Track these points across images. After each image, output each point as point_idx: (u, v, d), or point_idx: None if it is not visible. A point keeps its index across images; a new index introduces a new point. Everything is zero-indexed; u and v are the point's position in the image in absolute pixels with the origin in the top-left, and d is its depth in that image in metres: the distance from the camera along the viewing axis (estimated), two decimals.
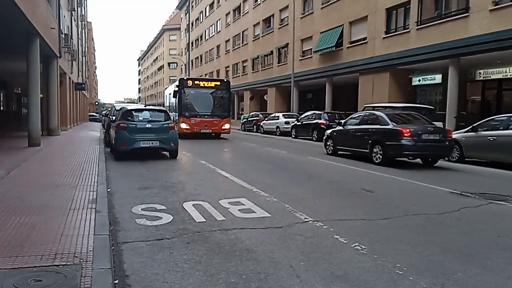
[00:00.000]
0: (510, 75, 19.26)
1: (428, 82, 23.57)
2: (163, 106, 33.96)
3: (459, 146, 13.22)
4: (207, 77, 56.30)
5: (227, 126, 22.46)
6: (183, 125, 21.44)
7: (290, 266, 4.06)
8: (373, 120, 13.18)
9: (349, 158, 13.82)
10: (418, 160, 12.91)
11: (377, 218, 5.93)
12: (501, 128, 11.94)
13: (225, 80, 23.78)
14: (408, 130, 11.59)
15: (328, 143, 15.41)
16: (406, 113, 13.82)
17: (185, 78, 22.86)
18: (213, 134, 22.58)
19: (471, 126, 13.13)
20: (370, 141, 12.72)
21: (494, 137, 11.89)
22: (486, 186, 8.73)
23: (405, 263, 4.18)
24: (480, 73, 20.82)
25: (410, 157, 12.55)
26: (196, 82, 22.65)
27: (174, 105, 23.80)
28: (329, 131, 15.73)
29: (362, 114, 14.43)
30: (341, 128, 14.72)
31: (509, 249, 4.70)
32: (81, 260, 3.86)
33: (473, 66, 20.39)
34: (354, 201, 7.23)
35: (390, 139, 11.92)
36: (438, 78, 22.66)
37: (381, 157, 12.23)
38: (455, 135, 13.74)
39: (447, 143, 12.08)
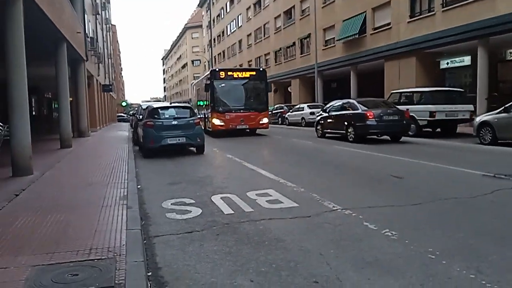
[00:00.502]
0: None
1: (456, 64, 22.90)
2: (191, 102, 32.50)
3: (491, 128, 12.82)
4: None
5: (265, 120, 20.17)
6: (217, 121, 19.27)
7: (320, 254, 4.06)
8: (348, 106, 16.13)
9: (334, 139, 16.60)
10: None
11: (406, 204, 5.84)
12: None
13: (261, 69, 21.22)
14: (371, 113, 14.63)
15: (318, 128, 18.56)
16: (376, 100, 17.12)
17: (217, 69, 20.27)
18: (248, 130, 20.21)
19: (503, 107, 12.71)
20: (345, 123, 15.74)
21: None
22: None
23: (437, 247, 4.10)
24: (511, 52, 20.07)
25: (378, 135, 15.52)
26: (229, 73, 20.10)
27: (205, 99, 21.47)
28: (318, 118, 18.94)
29: (340, 102, 17.24)
30: (326, 114, 17.66)
31: None
32: (115, 254, 3.97)
33: (503, 45, 19.68)
34: (380, 187, 7.14)
35: (359, 121, 14.93)
36: (467, 60, 21.99)
37: (353, 136, 15.21)
38: (486, 117, 13.35)
39: (404, 122, 14.89)
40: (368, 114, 14.63)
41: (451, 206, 5.70)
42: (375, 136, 15.73)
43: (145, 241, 4.59)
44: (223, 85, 19.73)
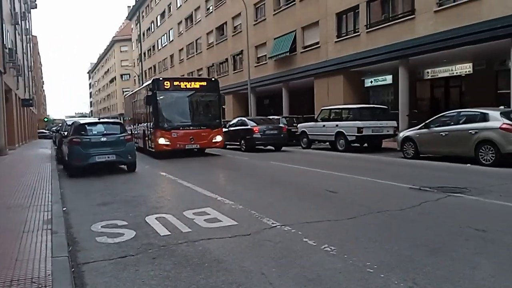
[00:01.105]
0: (456, 73, 20.21)
1: (379, 83, 24.31)
2: (124, 117, 29.30)
3: (413, 143, 13.67)
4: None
5: (218, 138, 17.32)
6: (162, 141, 16.20)
7: (262, 274, 3.97)
8: (242, 123, 20.30)
9: (232, 150, 20.55)
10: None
11: (342, 218, 5.96)
12: (452, 123, 12.46)
13: (213, 79, 18.56)
14: (257, 128, 18.93)
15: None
16: (263, 118, 21.85)
17: (160, 79, 17.13)
18: (196, 150, 17.47)
19: (423, 123, 13.62)
20: (239, 137, 19.86)
21: (446, 133, 12.38)
22: (442, 180, 9.03)
23: (375, 260, 4.19)
24: (428, 72, 21.72)
25: (261, 146, 19.48)
26: (176, 83, 17.04)
27: (146, 114, 18.30)
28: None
29: (236, 119, 21.77)
30: (227, 130, 20.61)
31: (472, 239, 4.84)
32: (40, 286, 3.59)
33: (421, 65, 21.23)
34: (316, 202, 7.26)
35: (248, 135, 19.18)
36: (389, 79, 23.42)
37: (245, 147, 19.50)
38: (408, 132, 14.23)
39: (282, 135, 19.28)
40: (254, 129, 18.84)
41: (384, 219, 5.91)
42: (262, 147, 19.77)
43: (73, 269, 4.22)
44: (168, 97, 16.79)
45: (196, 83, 17.44)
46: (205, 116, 17.66)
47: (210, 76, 41.55)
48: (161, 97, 16.53)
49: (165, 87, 16.61)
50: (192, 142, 16.47)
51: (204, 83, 17.57)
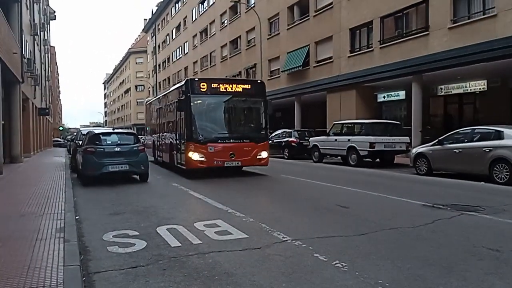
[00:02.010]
0: (470, 89, 20.05)
1: (392, 98, 24.21)
2: (144, 128, 26.90)
3: (426, 159, 13.55)
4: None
5: (264, 154, 14.16)
6: (196, 156, 13.14)
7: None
8: (287, 134, 24.00)
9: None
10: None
11: (354, 234, 5.91)
12: (466, 140, 12.33)
13: (259, 81, 15.21)
14: (294, 140, 23.10)
15: None
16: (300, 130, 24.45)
17: (196, 79, 14.23)
18: (235, 166, 14.01)
19: (437, 140, 13.50)
20: (281, 147, 23.66)
21: (460, 150, 12.25)
22: (455, 198, 8.92)
23: (387, 278, 4.15)
24: (441, 88, 21.58)
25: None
26: (214, 85, 13.83)
27: (174, 122, 15.35)
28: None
29: (281, 131, 24.91)
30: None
31: (486, 259, 4.76)
32: None
33: (435, 82, 21.12)
34: (328, 217, 7.21)
35: (290, 145, 23.22)
36: (402, 94, 23.32)
37: (287, 155, 23.23)
38: (421, 149, 14.11)
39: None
40: (295, 141, 22.69)
41: (396, 236, 5.85)
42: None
43: (84, 278, 4.25)
44: (204, 102, 13.91)
45: (238, 85, 14.16)
46: (249, 126, 14.71)
47: None
48: (196, 102, 13.53)
49: (201, 89, 13.55)
50: (233, 159, 13.36)
51: (248, 86, 14.36)
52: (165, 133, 17.10)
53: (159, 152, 18.65)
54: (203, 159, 13.15)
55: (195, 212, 7.75)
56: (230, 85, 14.01)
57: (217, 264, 4.68)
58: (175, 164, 14.96)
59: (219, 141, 13.33)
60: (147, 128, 23.36)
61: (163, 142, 17.62)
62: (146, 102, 25.30)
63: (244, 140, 13.74)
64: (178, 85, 15.38)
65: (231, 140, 13.53)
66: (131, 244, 5.54)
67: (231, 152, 13.31)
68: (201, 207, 8.38)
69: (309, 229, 6.27)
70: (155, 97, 23.29)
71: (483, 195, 9.37)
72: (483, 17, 16.92)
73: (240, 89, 14.07)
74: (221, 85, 13.90)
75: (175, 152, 15.09)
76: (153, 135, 19.96)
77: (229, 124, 14.18)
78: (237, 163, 13.69)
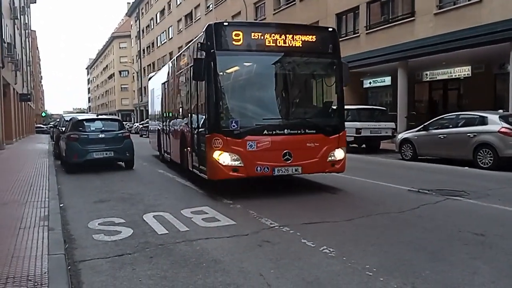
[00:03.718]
0: (455, 75, 20.19)
1: (378, 84, 24.27)
2: (149, 114, 20.47)
3: (411, 145, 13.67)
4: None
5: (339, 154, 8.32)
6: (226, 159, 7.55)
7: (260, 275, 3.94)
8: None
9: None
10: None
11: (341, 220, 5.93)
12: (450, 126, 12.45)
13: (330, 29, 8.84)
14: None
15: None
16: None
17: (225, 23, 8.09)
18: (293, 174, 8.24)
19: (422, 125, 13.61)
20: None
21: (445, 135, 12.38)
22: (440, 183, 9.01)
23: (374, 263, 4.17)
24: (427, 74, 21.69)
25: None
26: (257, 34, 7.96)
27: (188, 101, 9.65)
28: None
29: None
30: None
31: (471, 244, 4.82)
32: (36, 284, 3.56)
33: (420, 68, 21.20)
34: (315, 203, 7.23)
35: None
36: (387, 80, 23.38)
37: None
38: (406, 134, 14.22)
39: None
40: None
41: (383, 221, 5.89)
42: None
43: (69, 267, 4.18)
44: (240, 65, 8.33)
45: (297, 36, 8.13)
46: (314, 107, 9.08)
47: None
48: (226, 65, 7.84)
49: (235, 43, 7.77)
50: (289, 162, 7.70)
51: (313, 37, 8.30)
52: (174, 120, 11.46)
53: (165, 147, 13.08)
54: (238, 163, 7.43)
55: (182, 199, 7.68)
56: (283, 35, 7.98)
57: (204, 251, 4.65)
58: (189, 168, 9.21)
59: (265, 131, 7.56)
60: (150, 113, 18.32)
61: (171, 132, 11.97)
62: (149, 78, 18.48)
63: (308, 131, 7.90)
64: (197, 38, 8.75)
65: (285, 131, 7.71)
66: (117, 232, 5.47)
67: (285, 150, 7.61)
68: (188, 194, 8.32)
69: (296, 215, 6.27)
70: (162, 69, 16.15)
71: (467, 180, 9.50)
72: (468, 3, 16.97)
73: (299, 43, 8.08)
74: (267, 36, 7.87)
75: (189, 149, 9.24)
76: (158, 122, 14.42)
77: (281, 103, 8.22)
78: (296, 170, 7.80)
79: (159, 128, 14.27)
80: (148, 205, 7.19)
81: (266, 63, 8.08)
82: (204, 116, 7.98)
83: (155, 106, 15.61)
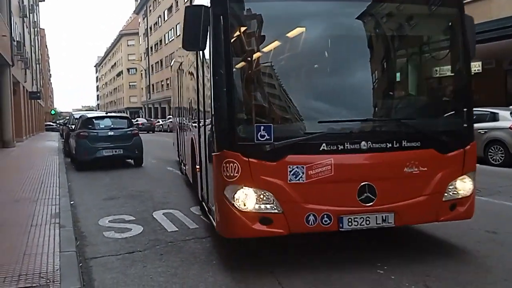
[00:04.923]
0: None
1: None
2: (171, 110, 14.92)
3: None
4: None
5: (464, 186, 4.27)
6: (246, 200, 3.80)
7: (270, 272, 3.94)
8: None
9: None
10: None
11: None
12: None
13: None
14: None
15: None
16: None
17: None
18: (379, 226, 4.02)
19: None
20: None
21: None
22: None
23: (385, 261, 4.14)
24: (436, 70, 21.51)
25: None
26: None
27: (195, 91, 5.95)
28: None
29: None
30: None
31: (483, 241, 4.77)
32: (48, 281, 3.60)
33: None
34: None
35: None
36: None
37: None
38: None
39: None
40: None
41: None
42: None
43: (81, 264, 4.22)
44: (274, 21, 4.14)
45: None
46: (415, 99, 4.82)
47: None
48: (246, 22, 4.07)
49: None
50: (370, 206, 3.91)
51: None
52: (185, 117, 8.54)
53: (182, 154, 9.79)
54: (272, 208, 3.85)
55: (191, 197, 7.70)
56: None
57: (214, 249, 4.66)
58: (199, 197, 6.06)
59: (324, 146, 3.89)
60: (172, 106, 14.05)
61: (183, 135, 9.22)
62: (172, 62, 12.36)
63: (406, 143, 4.11)
64: None
65: (363, 144, 3.96)
66: (128, 229, 5.51)
67: (363, 182, 3.93)
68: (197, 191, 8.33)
69: None
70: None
71: (478, 177, 9.33)
72: None
73: None
74: None
75: (197, 168, 5.94)
76: (177, 119, 10.92)
77: (354, 92, 4.39)
78: (384, 220, 3.97)
79: (177, 127, 10.79)
80: (157, 202, 7.22)
81: (323, 16, 4.31)
82: (206, 117, 4.71)
83: (175, 100, 11.52)
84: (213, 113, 4.08)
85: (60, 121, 49.18)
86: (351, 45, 4.38)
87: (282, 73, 4.20)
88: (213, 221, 4.45)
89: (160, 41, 61.37)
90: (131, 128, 12.58)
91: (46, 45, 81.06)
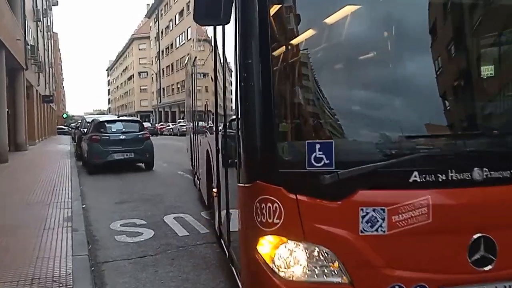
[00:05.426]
0: None
1: None
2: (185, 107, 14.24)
3: None
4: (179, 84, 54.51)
5: None
6: (292, 261, 2.40)
7: None
8: None
9: None
10: None
11: None
12: None
13: None
14: None
15: None
16: None
17: None
18: None
19: None
20: None
21: None
22: None
23: None
24: None
25: None
26: None
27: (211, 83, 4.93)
28: None
29: None
30: None
31: None
32: (60, 285, 3.62)
33: None
34: None
35: None
36: None
37: None
38: None
39: None
40: None
41: None
42: None
43: (93, 268, 4.24)
44: None
45: None
46: None
47: None
48: None
49: None
50: (487, 271, 2.43)
51: None
52: (201, 123, 6.85)
53: (196, 164, 8.20)
54: (336, 278, 2.40)
55: (202, 201, 7.71)
56: None
57: (226, 254, 4.65)
58: (215, 229, 4.72)
59: (415, 176, 2.39)
60: (186, 109, 12.55)
61: (197, 143, 7.46)
62: (187, 57, 11.58)
63: None
64: None
65: (476, 174, 2.45)
66: (139, 233, 5.53)
67: (476, 233, 2.43)
68: None
69: None
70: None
71: None
72: None
73: None
74: None
75: (216, 193, 4.33)
76: (191, 123, 9.23)
77: (456, 94, 2.85)
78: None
79: (191, 132, 9.17)
80: (168, 206, 7.25)
81: None
82: (234, 129, 2.88)
83: (188, 95, 10.15)
84: (239, 121, 2.61)
85: (72, 124, 49.66)
86: (456, 22, 2.85)
87: (348, 63, 2.75)
88: (238, 281, 3.06)
89: (171, 45, 61.76)
90: (142, 132, 12.68)
91: (59, 49, 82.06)
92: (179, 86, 54.55)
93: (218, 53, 3.91)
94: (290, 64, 2.59)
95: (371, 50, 2.75)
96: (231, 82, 3.03)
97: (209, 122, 5.16)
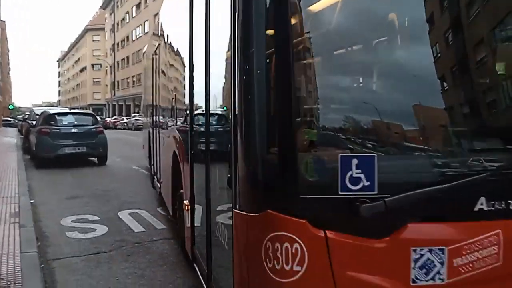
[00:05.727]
0: None
1: None
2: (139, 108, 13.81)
3: None
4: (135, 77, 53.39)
5: None
6: None
7: None
8: None
9: None
10: None
11: None
12: None
13: None
14: None
15: None
16: None
17: None
18: None
19: None
20: None
21: None
22: None
23: None
24: None
25: None
26: None
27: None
28: None
29: None
30: None
31: None
32: (9, 283, 3.46)
33: None
34: None
35: None
36: None
37: None
38: None
39: None
40: None
41: None
42: None
43: (43, 266, 4.06)
44: None
45: None
46: None
47: None
48: None
49: None
50: None
51: None
52: (164, 119, 5.91)
53: (155, 163, 7.45)
54: None
55: (158, 197, 7.58)
56: None
57: (183, 250, 4.59)
58: (186, 248, 3.81)
59: (483, 204, 1.83)
60: (143, 103, 11.56)
61: (158, 141, 6.54)
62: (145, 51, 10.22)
63: None
64: None
65: None
66: (92, 229, 5.36)
67: None
68: None
69: None
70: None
71: None
72: None
73: None
74: None
75: (186, 205, 3.46)
76: (150, 119, 8.32)
77: None
78: None
79: (150, 131, 8.21)
80: (123, 202, 7.06)
81: None
82: (222, 131, 2.50)
83: (148, 93, 8.84)
84: (237, 122, 1.87)
85: (19, 116, 47.27)
86: None
87: (388, 53, 2.14)
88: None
89: (127, 37, 60.28)
90: (95, 126, 12.27)
91: (6, 38, 77.96)
92: (134, 79, 53.32)
93: (195, 28, 2.93)
94: (309, 53, 1.90)
95: (419, 40, 2.10)
96: (220, 68, 2.28)
97: (178, 119, 4.23)
